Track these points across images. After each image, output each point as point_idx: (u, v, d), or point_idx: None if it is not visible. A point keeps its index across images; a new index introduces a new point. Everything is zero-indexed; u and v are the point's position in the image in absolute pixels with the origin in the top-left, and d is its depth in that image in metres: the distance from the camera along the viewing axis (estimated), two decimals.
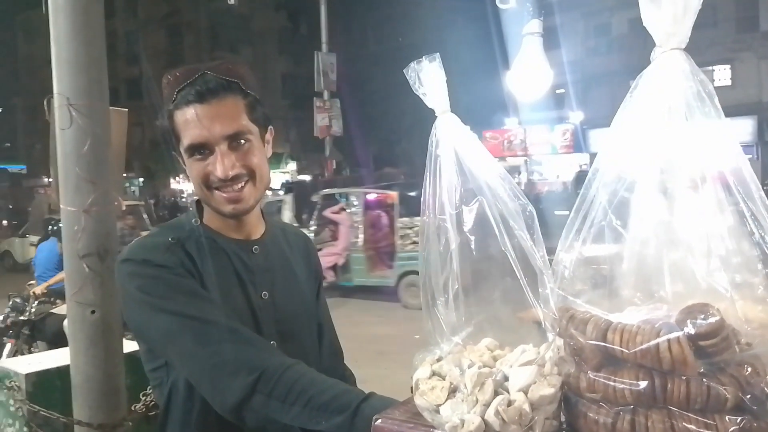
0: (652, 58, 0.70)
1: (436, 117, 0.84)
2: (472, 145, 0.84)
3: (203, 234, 1.26)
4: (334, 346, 1.49)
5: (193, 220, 1.29)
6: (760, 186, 0.70)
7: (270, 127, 1.31)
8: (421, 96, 0.84)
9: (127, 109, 2.52)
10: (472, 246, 0.78)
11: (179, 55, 33.10)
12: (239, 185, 1.21)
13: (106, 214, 2.18)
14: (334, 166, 16.28)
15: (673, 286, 0.78)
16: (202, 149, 1.19)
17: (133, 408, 2.24)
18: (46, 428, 2.23)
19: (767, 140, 25.05)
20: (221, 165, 1.18)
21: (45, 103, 2.29)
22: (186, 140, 1.19)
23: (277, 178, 33.91)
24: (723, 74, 26.06)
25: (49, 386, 2.36)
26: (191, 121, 1.17)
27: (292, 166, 34.94)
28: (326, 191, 11.73)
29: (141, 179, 33.31)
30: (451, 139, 0.83)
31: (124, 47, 36.29)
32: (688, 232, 0.77)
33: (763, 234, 0.70)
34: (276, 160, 33.81)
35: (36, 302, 5.19)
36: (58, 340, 4.23)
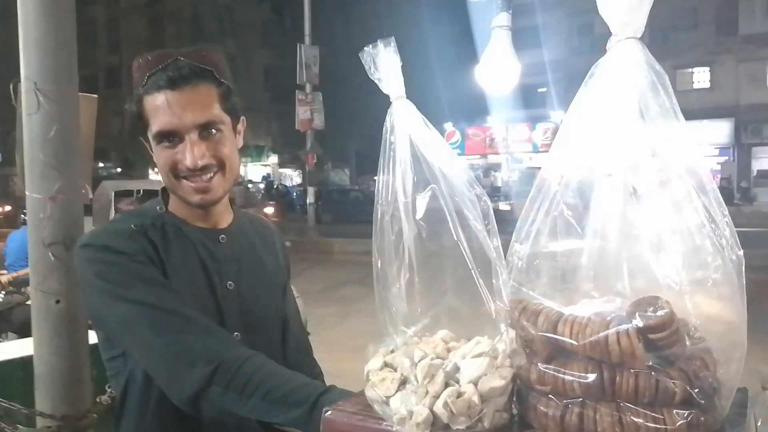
0: (608, 48, 0.70)
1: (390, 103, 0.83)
2: (428, 132, 0.82)
3: (168, 222, 1.24)
4: (301, 341, 1.47)
5: (158, 207, 1.26)
6: (712, 179, 0.70)
7: (242, 117, 1.28)
8: (376, 81, 0.82)
9: (96, 96, 2.46)
10: (424, 235, 0.77)
11: (161, 45, 32.59)
12: (208, 175, 1.19)
13: (73, 202, 2.13)
14: (315, 160, 16.19)
15: (631, 281, 0.78)
16: (171, 137, 1.16)
17: (98, 399, 2.20)
18: (8, 420, 2.18)
19: (743, 142, 25.50)
20: (191, 154, 1.15)
21: (11, 87, 2.24)
22: (155, 126, 1.16)
23: (258, 170, 33.77)
24: (702, 76, 26.45)
25: (11, 377, 2.31)
26: (161, 107, 1.14)
27: (274, 159, 34.76)
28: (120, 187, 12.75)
29: (119, 169, 32.91)
30: (406, 126, 0.81)
31: (105, 35, 35.72)
32: (648, 228, 0.77)
33: (714, 227, 0.70)
34: (257, 153, 33.63)
35: (3, 292, 5.09)
36: (26, 330, 4.15)
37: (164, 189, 1.28)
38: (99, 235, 1.20)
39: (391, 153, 0.81)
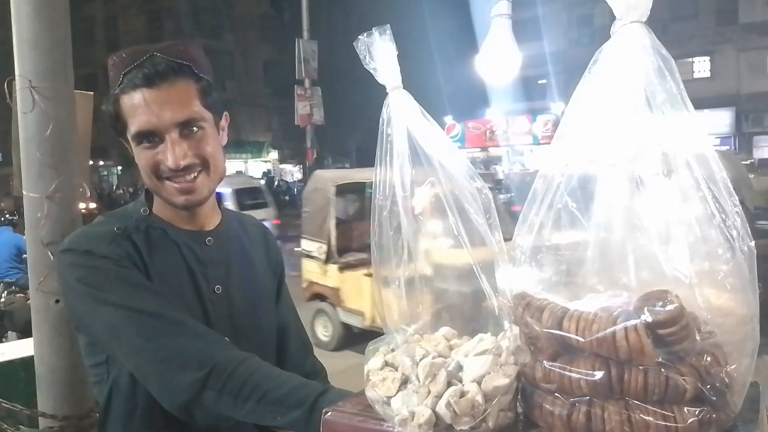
0: (612, 32, 0.67)
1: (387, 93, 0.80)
2: (426, 123, 0.79)
3: (152, 224, 1.20)
4: (302, 339, 1.44)
5: (141, 210, 1.22)
6: (722, 168, 0.67)
7: (225, 113, 1.24)
8: (372, 71, 0.80)
9: (92, 93, 2.43)
10: (423, 230, 0.75)
11: (159, 41, 32.48)
12: (192, 175, 1.14)
13: (70, 201, 2.12)
14: (315, 155, 16.14)
15: (637, 274, 0.76)
16: (150, 137, 1.12)
17: None
18: (10, 421, 2.17)
19: (744, 132, 25.40)
20: (172, 154, 1.11)
21: (5, 85, 2.21)
22: (133, 127, 1.12)
23: (259, 166, 33.71)
24: (702, 66, 26.33)
25: (12, 378, 2.30)
26: (138, 106, 1.10)
27: (274, 155, 34.68)
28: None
29: (119, 167, 32.86)
30: (403, 117, 0.79)
31: (103, 33, 35.64)
32: (653, 219, 0.75)
33: (725, 218, 0.67)
34: (257, 149, 33.56)
35: (5, 292, 5.07)
36: (30, 330, 4.12)
37: (147, 190, 1.25)
38: (80, 240, 1.15)
39: (388, 145, 0.78)
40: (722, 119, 25.11)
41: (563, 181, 0.70)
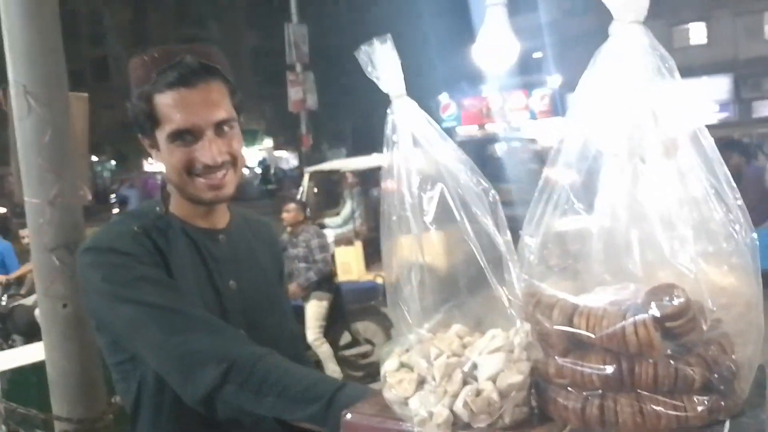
0: (610, 32, 0.68)
1: (391, 102, 0.81)
2: (430, 129, 0.81)
3: (170, 223, 1.24)
4: (294, 332, 1.49)
5: (157, 208, 1.25)
6: (723, 161, 0.68)
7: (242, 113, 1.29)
8: (375, 79, 0.81)
9: (87, 94, 2.43)
10: (433, 235, 0.76)
11: (145, 33, 32.26)
12: (222, 172, 1.19)
13: (72, 205, 2.13)
14: (311, 142, 16.07)
15: (642, 260, 0.77)
16: (187, 135, 1.16)
17: (112, 400, 2.22)
18: (25, 426, 2.21)
19: (743, 97, 25.22)
20: (210, 152, 1.15)
21: (1, 91, 2.21)
22: (170, 125, 1.15)
23: (254, 155, 33.58)
24: (699, 32, 26.06)
25: (25, 383, 2.32)
26: (177, 105, 1.14)
27: (268, 142, 34.55)
28: None
29: (113, 162, 32.73)
30: (407, 124, 0.80)
31: (89, 27, 35.25)
32: (656, 203, 0.76)
33: (727, 211, 0.69)
34: (251, 138, 33.40)
35: (5, 294, 5.06)
36: (32, 332, 4.14)
37: (163, 188, 1.27)
38: (102, 238, 1.20)
39: (394, 152, 0.79)
40: (720, 86, 24.90)
41: (568, 182, 0.72)
